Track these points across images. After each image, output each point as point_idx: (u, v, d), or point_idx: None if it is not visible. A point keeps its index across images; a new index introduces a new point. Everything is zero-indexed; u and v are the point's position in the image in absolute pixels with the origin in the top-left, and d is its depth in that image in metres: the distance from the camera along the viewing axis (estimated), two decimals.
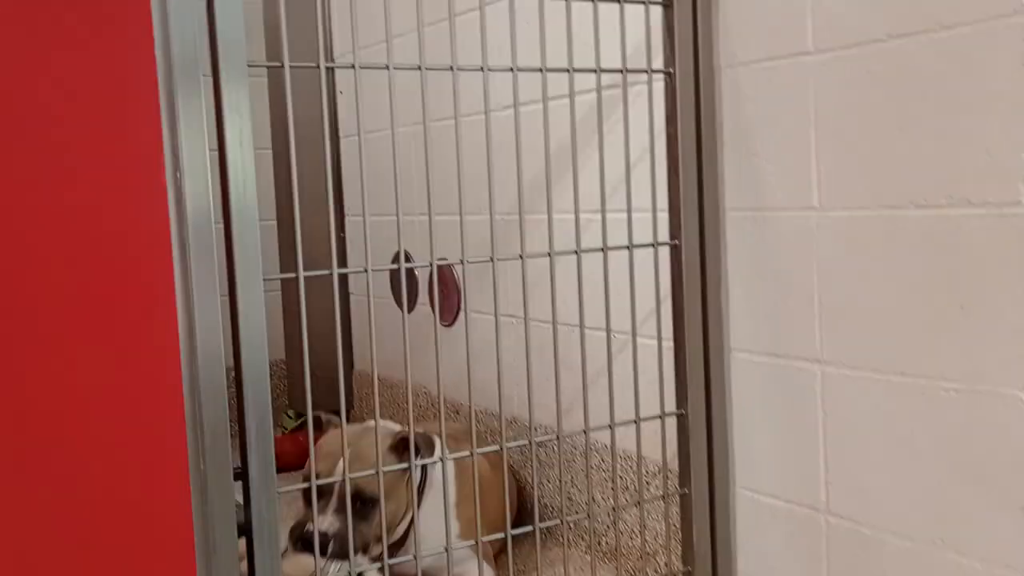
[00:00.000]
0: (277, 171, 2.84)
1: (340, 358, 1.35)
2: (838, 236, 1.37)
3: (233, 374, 1.20)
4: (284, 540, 1.53)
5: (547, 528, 2.02)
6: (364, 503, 1.61)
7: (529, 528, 1.45)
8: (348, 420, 2.81)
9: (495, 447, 1.45)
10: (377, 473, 1.28)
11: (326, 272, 1.27)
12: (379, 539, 1.59)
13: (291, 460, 2.44)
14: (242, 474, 1.24)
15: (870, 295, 1.34)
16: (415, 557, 1.36)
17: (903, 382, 1.31)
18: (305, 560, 1.52)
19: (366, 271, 1.30)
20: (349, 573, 1.53)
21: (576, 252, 1.45)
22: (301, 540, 1.55)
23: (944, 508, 1.27)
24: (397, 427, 1.80)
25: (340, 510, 1.56)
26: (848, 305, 1.37)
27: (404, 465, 1.51)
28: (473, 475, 1.45)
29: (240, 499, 1.22)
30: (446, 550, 1.37)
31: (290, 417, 2.87)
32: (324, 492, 1.59)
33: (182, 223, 1.14)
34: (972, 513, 1.24)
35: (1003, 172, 1.16)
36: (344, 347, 2.76)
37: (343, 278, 2.86)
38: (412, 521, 1.71)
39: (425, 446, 1.65)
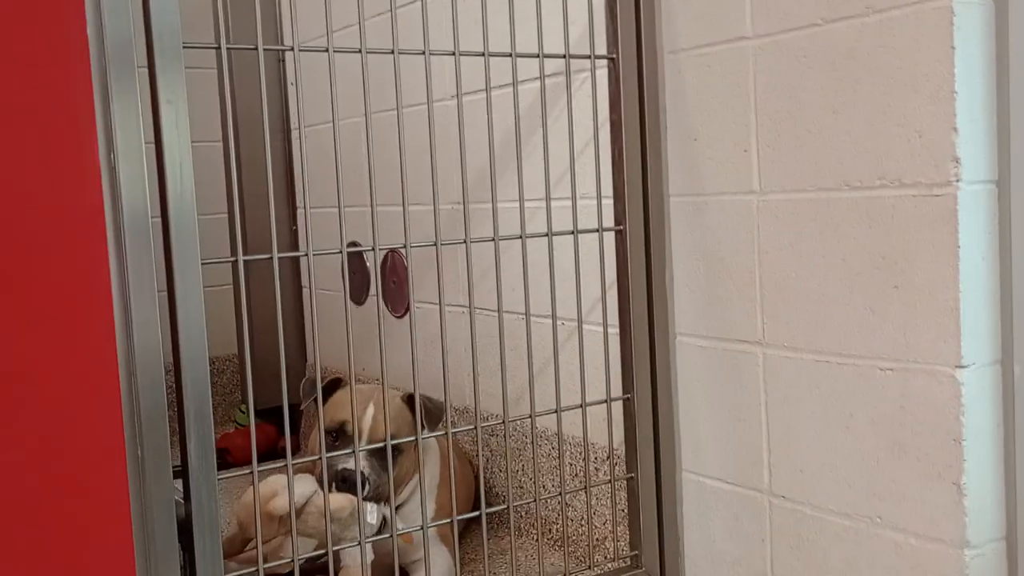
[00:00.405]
0: (227, 164, 2.81)
1: (282, 347, 1.34)
2: (777, 219, 1.39)
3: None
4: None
5: (499, 516, 2.03)
6: (384, 453, 1.66)
7: (476, 514, 1.46)
8: (300, 417, 2.80)
9: (442, 433, 1.45)
10: (416, 439, 1.41)
11: (266, 256, 1.27)
12: (394, 493, 1.63)
13: (246, 454, 2.42)
14: (182, 471, 1.23)
15: (809, 277, 1.36)
16: (423, 528, 1.40)
17: (841, 363, 1.33)
18: (342, 498, 1.54)
19: (306, 255, 1.29)
20: (384, 516, 1.61)
21: (521, 237, 1.46)
22: (339, 478, 1.59)
23: (881, 486, 1.29)
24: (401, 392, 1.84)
25: (366, 455, 1.63)
26: (788, 288, 1.39)
27: (440, 433, 1.59)
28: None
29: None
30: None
31: (243, 412, 2.84)
32: (347, 440, 1.67)
33: (117, 212, 1.13)
34: (908, 491, 1.26)
35: (934, 153, 1.18)
36: (297, 340, 2.75)
37: (295, 271, 2.84)
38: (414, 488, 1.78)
39: (436, 410, 1.71)
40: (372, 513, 1.56)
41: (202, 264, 1.20)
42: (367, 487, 1.59)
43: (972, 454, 1.20)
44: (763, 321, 1.43)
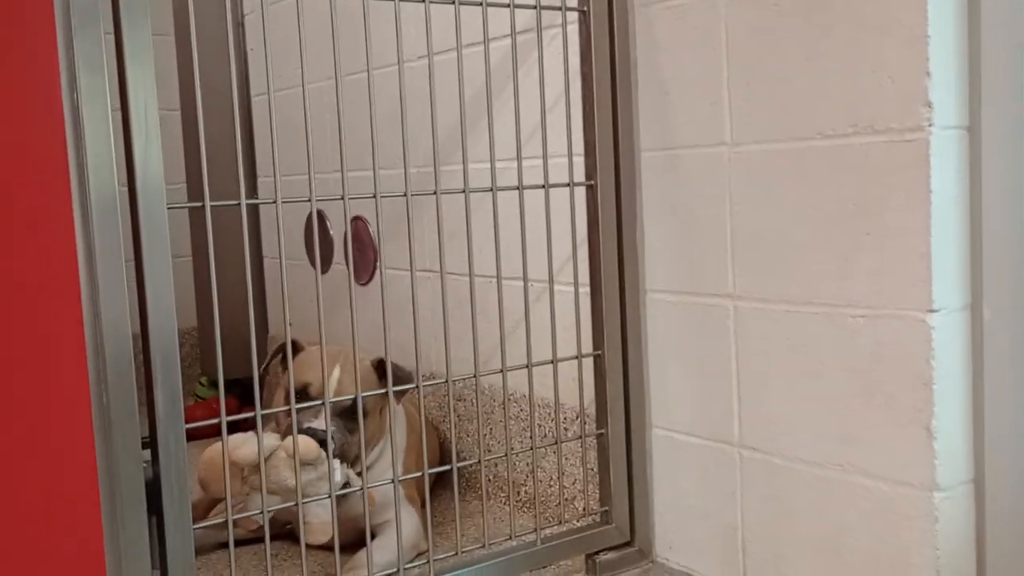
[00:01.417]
0: (186, 135, 2.76)
1: (252, 314, 1.32)
2: (749, 170, 1.39)
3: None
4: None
5: (467, 481, 2.02)
6: (352, 417, 1.63)
7: (447, 468, 1.45)
8: (261, 386, 2.77)
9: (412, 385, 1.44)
10: (387, 394, 1.38)
11: (234, 203, 1.24)
12: (359, 456, 1.61)
13: (202, 428, 2.38)
14: (151, 443, 1.21)
15: (780, 228, 1.36)
16: (394, 481, 1.39)
17: (813, 311, 1.33)
18: (309, 440, 1.53)
19: (275, 202, 1.27)
20: (348, 477, 1.60)
21: (492, 190, 1.45)
22: (309, 433, 1.57)
23: (851, 433, 1.30)
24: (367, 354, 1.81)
25: (332, 416, 1.60)
26: (759, 239, 1.39)
27: (410, 386, 1.53)
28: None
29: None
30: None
31: (203, 385, 2.80)
32: (315, 398, 1.64)
33: (83, 178, 1.10)
34: (878, 436, 1.27)
35: (905, 98, 1.19)
36: (258, 311, 2.71)
37: (255, 242, 2.81)
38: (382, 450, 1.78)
39: (404, 376, 1.68)
40: (337, 471, 1.54)
41: (168, 208, 1.17)
42: (332, 446, 1.56)
43: (942, 398, 1.21)
44: (734, 274, 1.44)
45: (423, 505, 1.78)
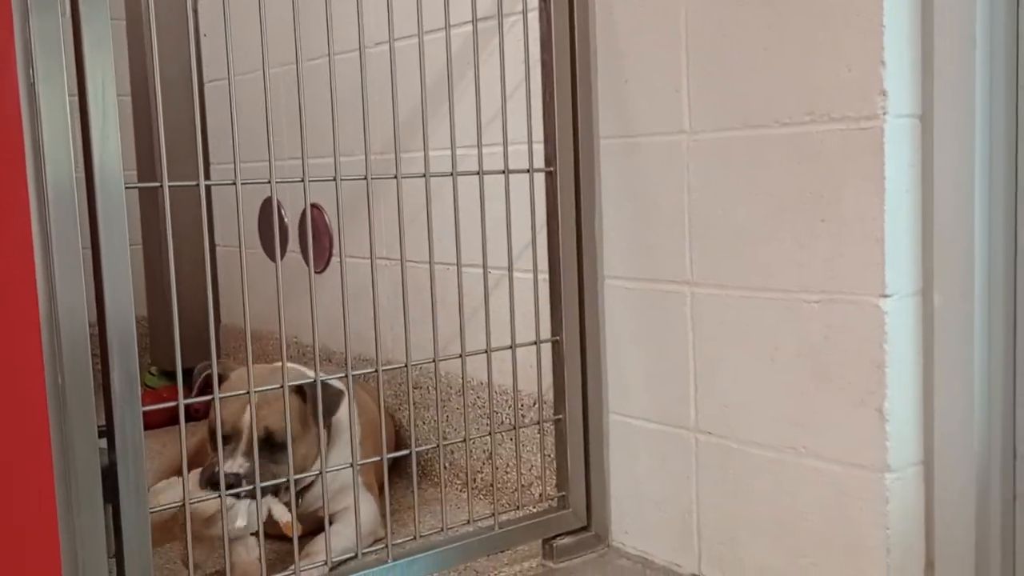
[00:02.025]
0: (137, 122, 2.72)
1: (211, 301, 1.31)
2: (707, 158, 1.41)
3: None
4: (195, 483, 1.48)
5: (423, 469, 2.02)
6: (274, 447, 1.53)
7: (406, 452, 1.45)
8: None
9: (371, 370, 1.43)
10: (285, 426, 1.33)
11: (193, 184, 1.23)
12: (294, 481, 1.54)
13: (155, 417, 2.35)
14: (107, 431, 1.19)
15: (737, 215, 1.38)
16: (353, 465, 1.37)
17: (768, 297, 1.35)
18: (214, 504, 1.47)
19: (234, 183, 1.26)
20: (270, 509, 1.51)
21: (452, 175, 1.45)
22: (210, 482, 1.47)
23: (806, 416, 1.32)
24: (305, 370, 1.71)
25: (249, 452, 1.49)
26: (717, 226, 1.41)
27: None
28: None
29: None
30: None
31: (153, 375, 2.76)
32: (232, 435, 1.53)
33: (39, 163, 1.09)
34: (831, 419, 1.29)
35: (862, 86, 1.21)
36: (213, 301, 2.68)
37: (208, 230, 2.77)
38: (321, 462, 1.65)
39: (329, 398, 1.59)
40: (242, 516, 1.48)
41: (125, 188, 1.16)
42: (243, 485, 1.47)
43: (894, 381, 1.24)
44: (691, 260, 1.45)
45: (381, 492, 1.78)
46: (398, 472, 2.02)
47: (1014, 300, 1.24)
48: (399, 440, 2.05)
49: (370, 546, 1.61)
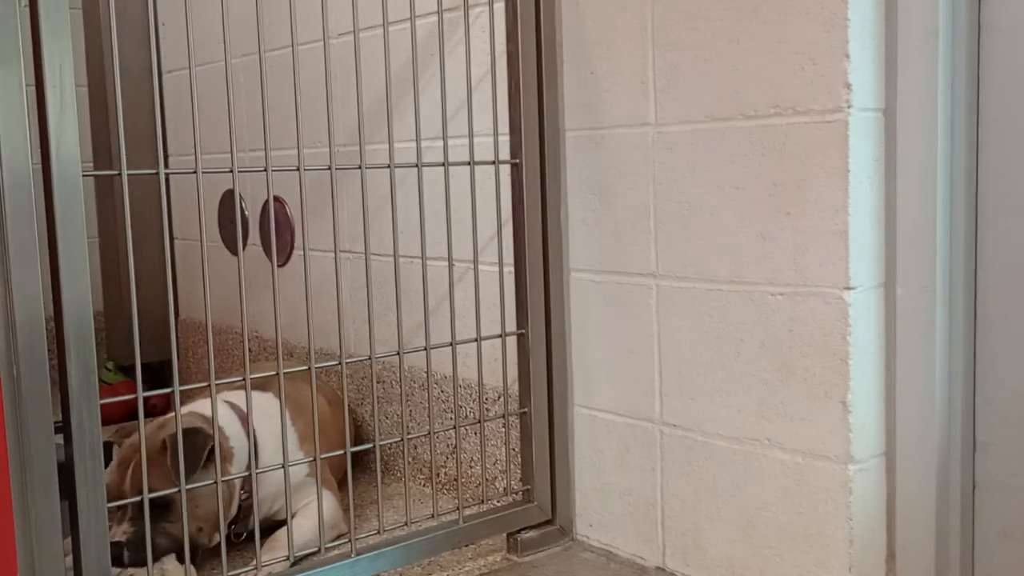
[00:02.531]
0: (93, 113, 2.67)
1: (171, 294, 1.29)
2: (673, 151, 1.41)
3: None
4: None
5: (385, 463, 2.00)
6: (159, 506, 1.44)
7: (369, 447, 1.43)
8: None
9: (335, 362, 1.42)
10: (180, 491, 1.26)
11: (153, 172, 1.21)
12: (196, 532, 1.49)
13: (112, 412, 2.32)
14: (64, 426, 1.16)
15: (703, 208, 1.38)
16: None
17: (734, 290, 1.36)
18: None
19: (195, 172, 1.24)
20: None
21: (417, 165, 1.43)
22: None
23: (770, 408, 1.33)
24: (206, 414, 1.58)
25: (135, 517, 1.44)
26: (682, 219, 1.41)
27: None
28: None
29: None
30: (283, 466, 1.34)
31: (109, 370, 2.72)
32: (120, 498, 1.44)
33: None
34: (796, 410, 1.30)
35: (827, 79, 1.22)
36: (165, 294, 2.64)
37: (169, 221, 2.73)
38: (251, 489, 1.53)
39: (193, 447, 1.46)
40: None
41: (83, 175, 1.13)
42: (126, 554, 1.42)
43: (857, 373, 1.25)
44: (657, 253, 1.45)
45: (342, 487, 1.76)
46: (358, 467, 2.00)
47: (974, 293, 1.26)
48: (360, 435, 2.04)
49: (331, 541, 1.59)
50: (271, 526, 1.62)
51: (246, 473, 1.54)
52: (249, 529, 1.53)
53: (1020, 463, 1.25)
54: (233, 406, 1.64)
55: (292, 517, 1.60)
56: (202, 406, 1.61)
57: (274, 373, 1.34)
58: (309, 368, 1.36)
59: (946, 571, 1.30)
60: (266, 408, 1.61)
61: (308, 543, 1.54)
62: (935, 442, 1.28)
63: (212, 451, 1.47)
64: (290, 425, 1.66)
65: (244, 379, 1.33)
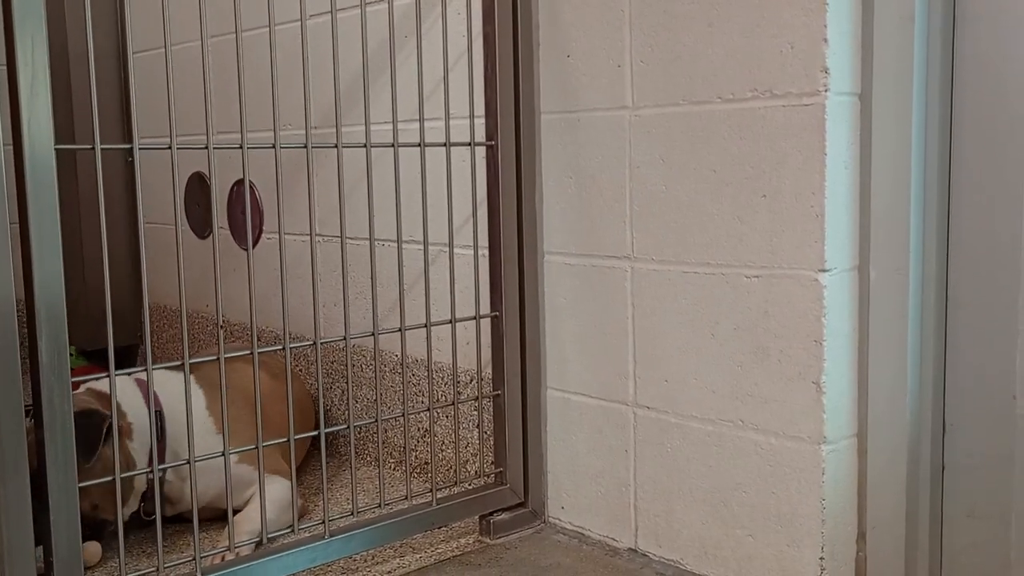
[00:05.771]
0: (56, 95, 2.62)
1: (145, 277, 1.26)
2: (649, 134, 1.41)
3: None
4: None
5: (354, 446, 1.99)
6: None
7: (344, 427, 1.42)
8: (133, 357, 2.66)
9: (309, 342, 1.40)
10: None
11: (127, 147, 1.19)
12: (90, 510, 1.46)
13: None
14: (34, 408, 1.14)
15: (679, 190, 1.39)
16: (258, 447, 1.31)
17: (709, 272, 1.37)
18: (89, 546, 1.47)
19: (169, 148, 1.22)
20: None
21: (393, 145, 1.42)
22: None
23: (745, 389, 1.34)
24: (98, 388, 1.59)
25: None
26: (658, 202, 1.42)
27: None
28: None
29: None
30: (257, 447, 1.33)
31: (72, 355, 2.67)
32: None
33: None
34: (770, 392, 1.31)
35: (805, 63, 1.23)
36: (133, 279, 2.60)
37: (131, 207, 2.69)
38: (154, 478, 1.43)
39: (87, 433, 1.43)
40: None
41: (56, 150, 1.12)
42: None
43: (831, 354, 1.26)
44: (632, 236, 1.46)
45: (299, 473, 1.72)
46: (329, 452, 1.99)
47: (946, 276, 1.28)
48: (328, 420, 2.03)
49: (282, 530, 1.51)
50: (219, 516, 1.59)
51: (185, 462, 1.48)
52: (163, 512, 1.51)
53: (988, 444, 1.27)
54: (140, 382, 1.61)
55: (247, 504, 1.57)
56: (101, 384, 1.58)
57: (248, 352, 1.32)
58: (284, 348, 1.35)
59: (915, 550, 1.32)
60: (182, 388, 1.55)
61: (253, 531, 1.48)
62: (906, 423, 1.30)
63: (110, 429, 1.45)
64: (204, 408, 1.64)
65: (218, 358, 1.31)
